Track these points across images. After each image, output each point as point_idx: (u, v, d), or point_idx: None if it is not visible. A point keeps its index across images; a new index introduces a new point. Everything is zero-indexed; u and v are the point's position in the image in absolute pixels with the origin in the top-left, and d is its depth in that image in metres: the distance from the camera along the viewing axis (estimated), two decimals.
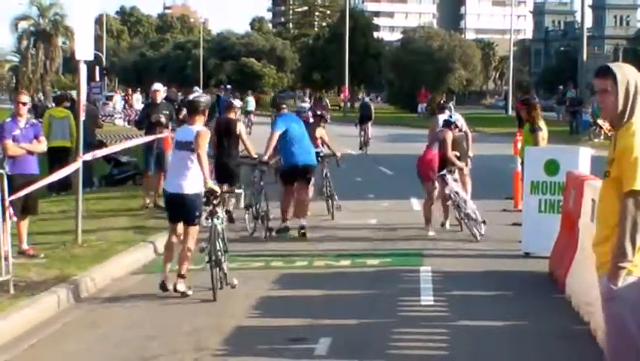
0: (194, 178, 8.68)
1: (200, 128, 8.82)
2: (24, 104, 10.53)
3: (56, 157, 15.08)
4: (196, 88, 31.99)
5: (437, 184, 12.34)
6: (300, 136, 12.52)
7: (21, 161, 10.27)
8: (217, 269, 8.68)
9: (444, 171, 12.17)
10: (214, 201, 8.68)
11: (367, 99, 34.76)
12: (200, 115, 8.91)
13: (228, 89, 27.22)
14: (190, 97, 9.97)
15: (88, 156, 11.94)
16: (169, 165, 9.75)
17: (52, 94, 56.40)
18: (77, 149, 11.39)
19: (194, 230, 8.85)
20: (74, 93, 17.71)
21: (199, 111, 8.90)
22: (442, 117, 14.78)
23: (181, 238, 8.89)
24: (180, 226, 8.89)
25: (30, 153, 10.39)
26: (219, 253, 8.69)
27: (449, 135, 12.48)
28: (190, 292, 8.72)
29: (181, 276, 8.74)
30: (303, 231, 12.26)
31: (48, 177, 11.32)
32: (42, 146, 10.56)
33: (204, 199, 8.75)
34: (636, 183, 4.14)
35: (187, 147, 8.71)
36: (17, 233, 10.14)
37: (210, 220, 8.76)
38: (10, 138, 10.24)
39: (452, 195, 12.14)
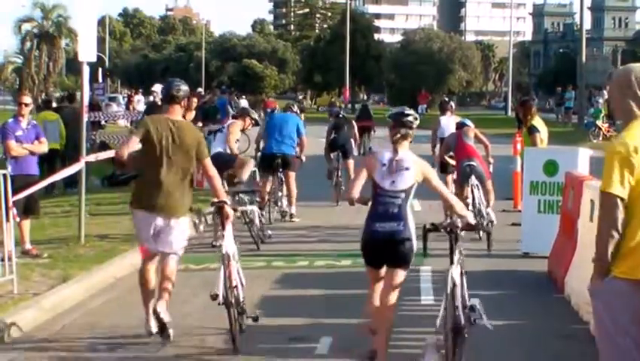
0: None
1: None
2: (26, 104, 10.59)
3: (47, 159, 15.09)
4: (199, 90, 32.09)
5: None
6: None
7: (22, 162, 10.32)
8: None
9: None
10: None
11: (367, 103, 34.95)
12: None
13: (225, 91, 26.87)
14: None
15: (91, 158, 12.02)
16: None
17: (61, 95, 56.40)
18: (80, 150, 11.44)
19: None
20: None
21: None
22: (444, 118, 14.80)
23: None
24: None
25: (32, 153, 10.44)
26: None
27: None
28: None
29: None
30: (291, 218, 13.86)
31: (49, 177, 11.39)
32: (44, 147, 10.63)
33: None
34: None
35: None
36: (20, 233, 10.20)
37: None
38: (13, 138, 10.30)
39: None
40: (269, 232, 12.06)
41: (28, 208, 10.31)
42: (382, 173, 6.40)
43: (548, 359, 6.93)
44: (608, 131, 32.92)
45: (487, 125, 41.72)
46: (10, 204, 8.87)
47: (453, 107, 15.50)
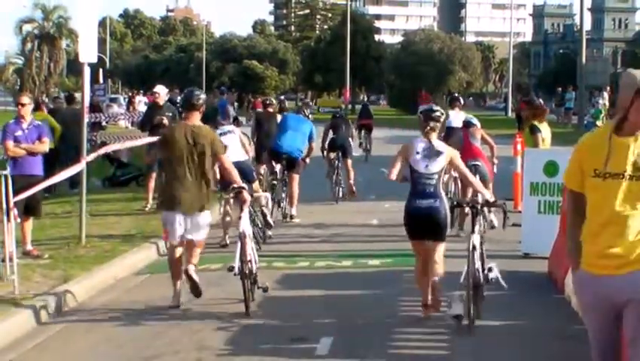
0: None
1: None
2: (23, 105, 10.59)
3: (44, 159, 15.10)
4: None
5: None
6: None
7: (22, 162, 10.29)
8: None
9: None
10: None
11: (366, 100, 35.06)
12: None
13: (224, 92, 26.55)
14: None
15: (91, 157, 12.04)
16: None
17: (54, 95, 56.43)
18: (81, 151, 11.45)
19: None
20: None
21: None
22: (453, 113, 14.76)
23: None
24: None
25: (32, 154, 10.41)
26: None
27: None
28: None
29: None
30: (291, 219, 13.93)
31: (49, 178, 11.38)
32: (43, 146, 10.52)
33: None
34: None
35: None
36: (21, 234, 10.22)
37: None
38: (11, 139, 10.30)
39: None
40: (270, 232, 12.08)
41: (29, 209, 10.30)
42: (417, 159, 7.68)
43: (548, 360, 6.95)
44: None
45: (487, 126, 41.69)
46: (12, 204, 8.88)
47: (462, 103, 15.66)
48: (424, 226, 7.73)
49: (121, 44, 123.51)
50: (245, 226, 8.26)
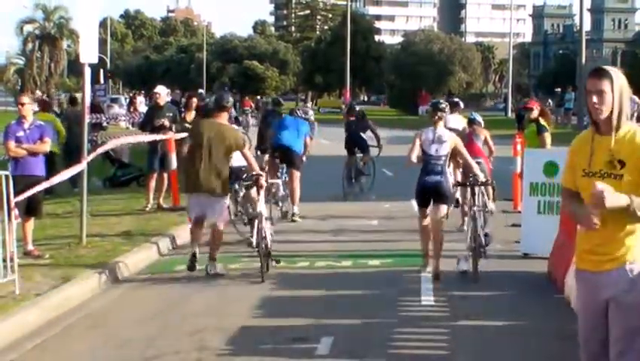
0: None
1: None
2: (22, 104, 10.60)
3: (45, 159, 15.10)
4: (201, 91, 32.10)
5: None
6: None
7: (23, 162, 10.29)
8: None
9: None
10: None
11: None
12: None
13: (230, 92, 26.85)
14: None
15: (92, 156, 12.04)
16: None
17: (56, 96, 56.52)
18: (82, 150, 11.47)
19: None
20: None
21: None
22: (452, 117, 14.84)
23: None
24: None
25: (34, 154, 10.41)
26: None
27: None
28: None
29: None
30: (293, 218, 14.07)
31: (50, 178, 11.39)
32: (44, 147, 10.48)
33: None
34: None
35: None
36: (22, 234, 10.23)
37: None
38: (12, 139, 10.30)
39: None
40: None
41: (30, 209, 10.30)
42: (428, 144, 9.69)
43: (548, 360, 6.96)
44: None
45: (486, 126, 41.79)
46: (13, 205, 8.90)
47: (461, 106, 15.96)
48: (431, 195, 9.73)
49: (122, 45, 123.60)
50: (262, 207, 9.84)
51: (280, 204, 14.23)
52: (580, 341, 4.49)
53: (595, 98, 4.26)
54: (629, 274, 4.22)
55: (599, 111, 4.27)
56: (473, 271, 9.50)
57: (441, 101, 10.61)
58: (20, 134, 10.36)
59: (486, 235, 9.84)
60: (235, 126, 12.79)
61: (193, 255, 9.81)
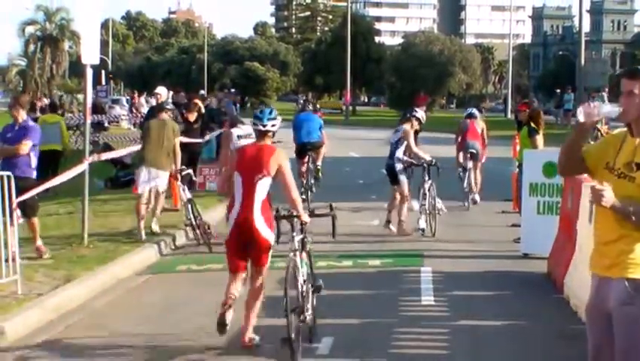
0: None
1: None
2: (11, 106, 10.58)
3: (46, 160, 15.11)
4: (202, 92, 32.07)
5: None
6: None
7: (9, 163, 10.13)
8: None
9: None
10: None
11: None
12: None
13: (232, 93, 26.34)
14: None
15: (94, 158, 12.10)
16: None
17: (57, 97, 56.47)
18: (83, 151, 11.51)
19: None
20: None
21: None
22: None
23: None
24: None
25: (23, 155, 10.19)
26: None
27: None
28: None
29: None
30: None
31: (51, 179, 11.42)
32: (21, 148, 10.07)
33: None
34: None
35: None
36: (32, 233, 10.27)
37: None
38: (1, 139, 10.33)
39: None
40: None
41: (22, 210, 10.08)
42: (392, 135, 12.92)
43: (548, 360, 6.99)
44: (607, 133, 32.93)
45: (487, 128, 41.81)
46: (14, 205, 8.92)
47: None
48: (389, 175, 12.76)
49: (123, 46, 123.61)
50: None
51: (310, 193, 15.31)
52: (589, 347, 4.47)
53: (624, 99, 4.22)
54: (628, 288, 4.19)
55: (627, 112, 4.23)
56: (432, 230, 12.35)
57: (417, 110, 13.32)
58: (9, 135, 10.35)
59: (438, 203, 12.68)
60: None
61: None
